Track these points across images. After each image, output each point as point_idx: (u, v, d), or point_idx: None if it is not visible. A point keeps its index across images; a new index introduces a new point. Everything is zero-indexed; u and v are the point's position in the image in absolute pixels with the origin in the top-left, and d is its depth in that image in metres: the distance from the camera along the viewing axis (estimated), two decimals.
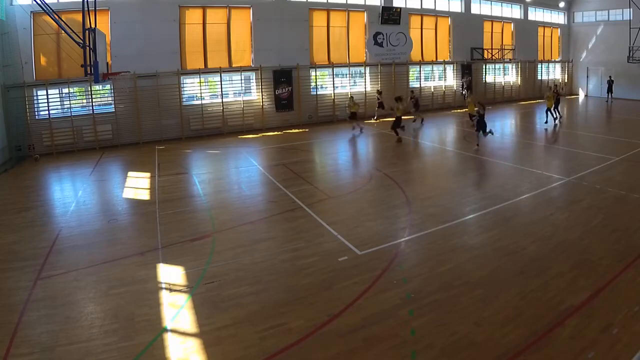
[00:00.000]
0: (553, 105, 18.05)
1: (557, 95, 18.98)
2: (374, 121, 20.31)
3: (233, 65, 18.65)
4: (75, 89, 16.26)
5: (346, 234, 7.18)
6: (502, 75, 27.61)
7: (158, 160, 13.65)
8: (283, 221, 8.12)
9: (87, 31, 10.61)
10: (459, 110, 23.60)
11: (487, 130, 13.60)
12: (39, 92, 15.34)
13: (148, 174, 11.85)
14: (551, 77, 30.69)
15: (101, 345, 4.53)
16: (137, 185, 10.83)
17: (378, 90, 20.87)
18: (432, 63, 24.38)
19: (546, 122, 18.16)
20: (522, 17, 28.16)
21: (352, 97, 18.74)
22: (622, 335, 4.35)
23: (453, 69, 25.12)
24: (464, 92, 24.78)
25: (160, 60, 16.76)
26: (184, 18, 17.53)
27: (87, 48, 10.54)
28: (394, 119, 15.67)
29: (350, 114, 18.02)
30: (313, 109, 20.49)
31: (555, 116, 18.34)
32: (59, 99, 15.82)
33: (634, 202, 8.32)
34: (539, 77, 29.76)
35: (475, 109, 14.21)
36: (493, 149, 14.54)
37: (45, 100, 15.26)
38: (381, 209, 8.60)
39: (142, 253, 6.77)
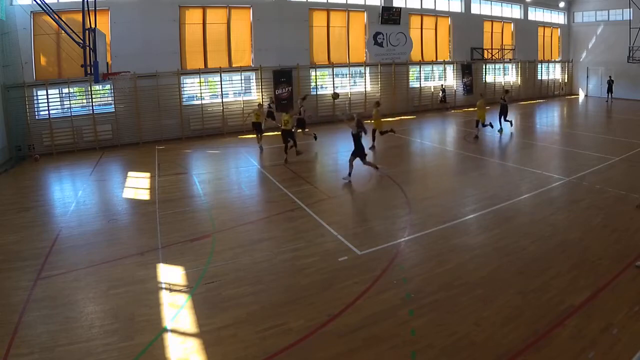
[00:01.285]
0: (485, 117, 15.42)
1: (505, 102, 16.55)
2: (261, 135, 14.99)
3: (233, 65, 18.65)
4: (75, 89, 16.26)
5: (346, 234, 7.18)
6: (502, 75, 27.61)
7: (158, 160, 13.64)
8: (283, 221, 8.12)
9: (87, 31, 10.60)
10: (458, 111, 23.62)
11: (362, 156, 10.26)
12: (39, 92, 15.34)
13: (148, 174, 11.84)
14: (551, 77, 30.70)
15: (101, 345, 4.53)
16: (137, 185, 10.83)
17: (266, 103, 17.22)
18: (432, 63, 24.37)
19: (476, 137, 15.26)
20: (522, 17, 28.15)
21: (261, 104, 15.92)
22: (622, 335, 4.35)
23: (453, 69, 25.11)
24: (441, 97, 24.16)
25: (160, 60, 16.75)
26: (184, 18, 17.52)
27: (87, 48, 10.53)
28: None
29: (252, 124, 14.67)
30: (313, 109, 20.46)
31: (497, 126, 16.04)
32: (59, 99, 15.82)
33: (634, 202, 8.30)
34: (539, 77, 29.76)
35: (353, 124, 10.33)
36: (493, 149, 14.55)
37: (45, 100, 15.25)
38: (381, 209, 8.60)
39: (142, 253, 6.77)
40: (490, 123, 15.83)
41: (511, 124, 17.01)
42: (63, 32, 11.08)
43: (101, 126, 16.07)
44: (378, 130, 13.95)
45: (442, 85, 24.34)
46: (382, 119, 14.58)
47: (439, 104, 24.10)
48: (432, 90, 24.23)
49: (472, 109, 24.10)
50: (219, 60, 18.30)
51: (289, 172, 11.42)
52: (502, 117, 16.40)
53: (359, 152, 10.16)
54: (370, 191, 9.85)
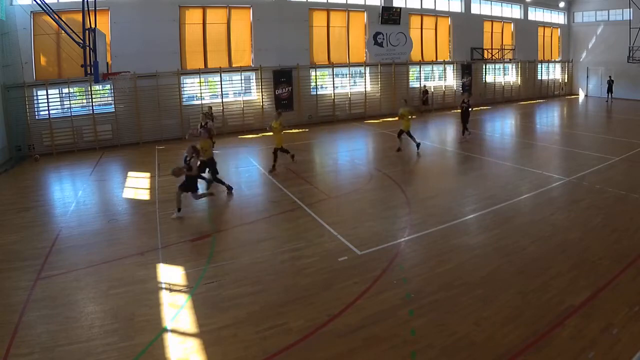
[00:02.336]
0: (410, 129, 12.98)
1: (467, 107, 14.66)
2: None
3: (233, 65, 18.65)
4: (75, 89, 16.26)
5: (346, 234, 7.18)
6: (502, 75, 27.61)
7: (158, 160, 13.63)
8: (283, 221, 8.12)
9: (87, 31, 10.61)
10: (458, 111, 23.56)
11: (200, 191, 8.68)
12: (39, 92, 15.34)
13: (148, 174, 11.83)
14: (551, 77, 30.69)
15: (101, 345, 4.53)
16: (137, 185, 10.82)
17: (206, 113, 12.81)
18: (432, 63, 24.37)
19: (399, 150, 13.16)
20: (522, 17, 28.16)
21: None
22: (622, 335, 4.35)
23: (453, 69, 25.11)
24: (422, 99, 23.13)
25: (160, 60, 16.75)
26: (184, 18, 17.52)
27: (87, 48, 10.54)
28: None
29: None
30: (313, 109, 20.49)
31: (416, 141, 13.11)
32: (59, 99, 15.82)
33: (634, 202, 8.32)
34: (539, 77, 29.77)
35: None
36: (493, 149, 14.55)
37: (45, 100, 15.25)
38: (381, 209, 8.60)
39: (142, 253, 6.77)
40: (469, 131, 13.60)
41: (469, 133, 15.01)
42: (63, 32, 11.09)
43: (101, 126, 16.06)
44: (278, 148, 11.47)
45: (424, 86, 23.62)
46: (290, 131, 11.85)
47: (421, 106, 22.91)
48: (432, 90, 24.14)
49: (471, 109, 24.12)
50: (219, 60, 18.30)
51: (289, 172, 11.42)
52: (464, 122, 14.87)
53: (189, 185, 8.35)
54: (370, 191, 9.85)
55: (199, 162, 8.79)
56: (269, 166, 11.69)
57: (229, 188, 9.79)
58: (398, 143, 13.40)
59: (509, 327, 4.59)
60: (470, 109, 14.87)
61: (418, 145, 13.22)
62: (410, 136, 13.14)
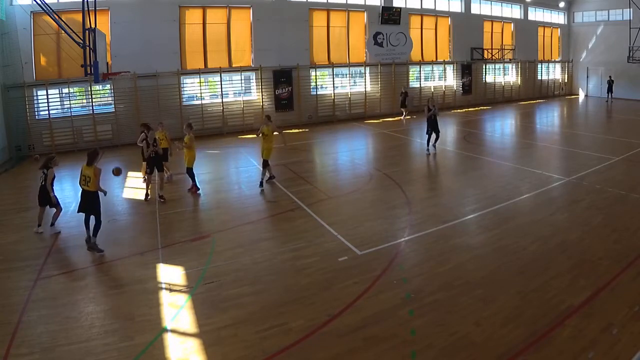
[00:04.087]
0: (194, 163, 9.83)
1: (433, 114, 12.68)
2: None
3: (233, 65, 18.65)
4: (75, 89, 16.26)
5: (346, 234, 7.18)
6: (502, 75, 27.60)
7: None
8: (283, 221, 8.12)
9: (87, 31, 10.61)
10: (459, 110, 23.61)
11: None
12: (39, 92, 15.34)
13: None
14: (551, 77, 30.67)
15: (101, 345, 4.53)
16: (137, 185, 10.82)
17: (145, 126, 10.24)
18: (432, 63, 24.37)
19: (271, 178, 10.36)
20: (522, 17, 28.16)
21: (161, 123, 11.30)
22: (622, 335, 4.35)
23: (453, 69, 25.10)
24: (404, 110, 20.60)
25: (160, 60, 16.75)
26: (184, 18, 17.53)
27: (87, 48, 10.54)
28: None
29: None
30: (313, 109, 20.49)
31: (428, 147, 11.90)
32: (59, 99, 15.82)
33: (634, 202, 8.32)
34: (539, 77, 29.77)
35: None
36: (494, 149, 14.54)
37: (45, 100, 15.25)
38: (381, 209, 8.60)
39: (142, 253, 6.77)
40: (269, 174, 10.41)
41: (433, 149, 13.16)
42: (63, 32, 11.09)
43: (101, 126, 16.06)
44: (188, 165, 9.74)
45: (403, 87, 21.41)
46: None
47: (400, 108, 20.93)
48: (432, 90, 24.12)
49: (471, 109, 24.16)
50: (219, 60, 18.30)
51: (289, 172, 11.42)
52: (430, 132, 12.97)
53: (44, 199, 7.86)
54: (370, 191, 9.85)
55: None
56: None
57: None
58: (265, 175, 10.29)
59: (509, 327, 4.59)
60: (436, 117, 12.80)
61: (271, 177, 10.39)
62: (265, 167, 10.19)
